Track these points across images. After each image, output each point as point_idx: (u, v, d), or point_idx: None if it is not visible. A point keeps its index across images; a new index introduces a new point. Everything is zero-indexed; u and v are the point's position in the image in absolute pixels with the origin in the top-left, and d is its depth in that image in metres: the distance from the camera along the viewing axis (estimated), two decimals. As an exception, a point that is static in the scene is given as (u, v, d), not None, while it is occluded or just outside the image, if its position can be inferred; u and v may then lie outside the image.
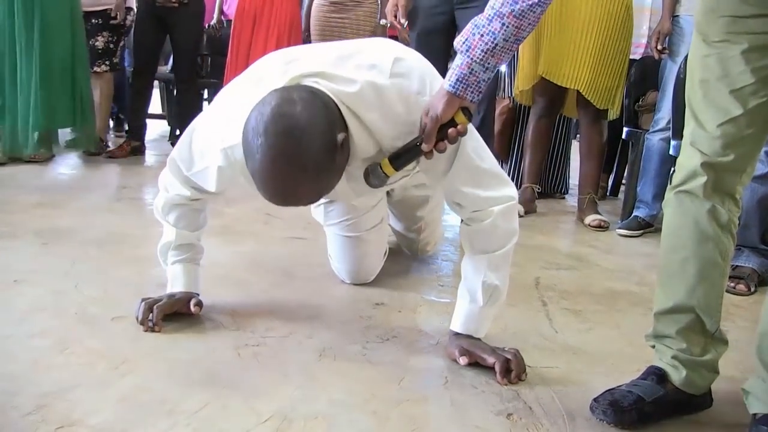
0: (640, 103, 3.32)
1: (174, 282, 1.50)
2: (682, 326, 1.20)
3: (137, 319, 1.41)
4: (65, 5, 3.34)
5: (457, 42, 1.14)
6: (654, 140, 2.85)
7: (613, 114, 3.09)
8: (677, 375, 1.20)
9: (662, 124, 2.80)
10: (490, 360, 1.32)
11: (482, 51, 1.10)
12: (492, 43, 1.10)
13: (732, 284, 2.07)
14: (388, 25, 3.12)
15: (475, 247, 1.35)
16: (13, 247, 1.91)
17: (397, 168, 1.22)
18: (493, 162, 1.35)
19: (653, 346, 1.27)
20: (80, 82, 3.48)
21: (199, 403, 1.13)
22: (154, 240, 1.53)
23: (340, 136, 1.14)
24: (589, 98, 2.95)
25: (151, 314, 1.40)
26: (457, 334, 1.38)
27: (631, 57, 3.23)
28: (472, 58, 1.12)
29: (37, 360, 1.23)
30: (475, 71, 1.13)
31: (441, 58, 2.90)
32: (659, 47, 2.82)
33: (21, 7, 3.18)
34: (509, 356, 1.33)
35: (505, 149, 3.64)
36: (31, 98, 3.25)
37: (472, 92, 1.15)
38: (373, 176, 1.24)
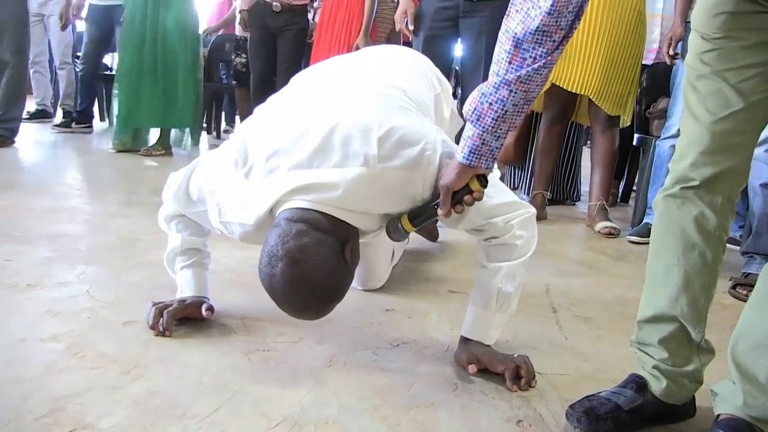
0: (650, 109, 3.31)
1: (183, 287, 1.51)
2: (664, 335, 1.17)
3: (148, 323, 1.42)
4: (181, 25, 4.22)
5: (466, 111, 1.13)
6: (665, 147, 2.84)
7: (624, 121, 3.08)
8: (657, 385, 1.18)
9: (673, 130, 2.79)
10: (500, 367, 1.32)
11: (493, 119, 1.10)
12: (501, 110, 1.09)
13: (744, 292, 2.06)
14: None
15: (493, 258, 1.34)
16: (25, 251, 1.93)
17: (415, 226, 1.26)
18: (504, 192, 1.34)
19: (636, 353, 1.25)
20: (189, 90, 4.32)
21: (210, 408, 1.13)
22: (166, 245, 1.53)
23: (348, 251, 1.19)
24: (599, 104, 2.95)
25: (161, 319, 1.41)
26: (467, 340, 1.38)
27: (643, 63, 3.22)
28: (483, 128, 1.11)
29: (50, 364, 1.24)
30: (487, 141, 1.13)
31: (446, 62, 2.99)
32: (671, 53, 2.81)
33: (148, 24, 4.12)
34: (519, 363, 1.33)
35: (520, 156, 3.63)
36: (153, 102, 4.20)
37: (486, 160, 1.15)
38: (395, 233, 1.27)
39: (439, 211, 1.20)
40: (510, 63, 1.05)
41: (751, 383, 1.05)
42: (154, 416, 1.09)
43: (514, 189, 3.80)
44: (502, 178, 3.87)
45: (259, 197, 1.21)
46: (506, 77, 1.06)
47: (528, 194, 3.56)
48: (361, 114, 1.23)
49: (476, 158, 1.14)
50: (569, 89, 2.95)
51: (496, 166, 3.87)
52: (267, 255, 1.15)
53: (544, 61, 1.04)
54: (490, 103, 1.09)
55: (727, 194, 1.13)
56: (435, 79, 1.72)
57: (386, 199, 1.24)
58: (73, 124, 5.16)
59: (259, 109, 1.40)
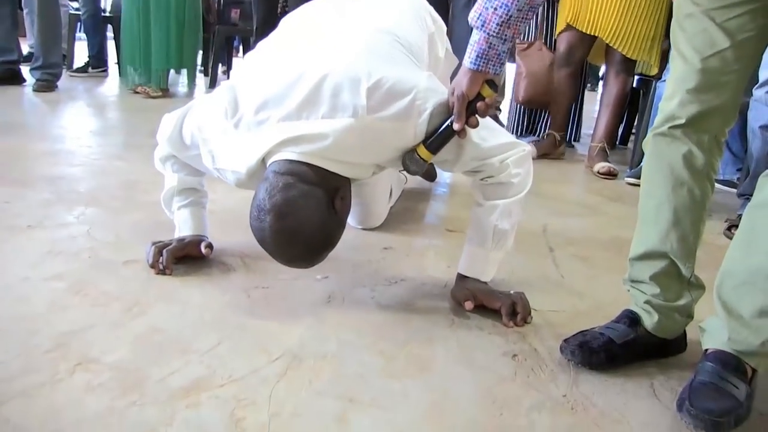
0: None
1: (182, 226, 1.52)
2: (656, 271, 1.19)
3: (148, 262, 1.44)
4: None
5: (471, 17, 1.13)
6: (665, 88, 2.81)
7: (651, 67, 2.98)
8: (649, 319, 1.21)
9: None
10: (496, 303, 1.35)
11: (497, 24, 1.10)
12: (506, 15, 1.09)
13: (738, 232, 2.07)
14: None
15: (489, 196, 1.35)
16: (24, 194, 1.93)
17: (433, 152, 1.23)
18: (498, 133, 1.34)
19: (629, 290, 1.27)
20: (189, 34, 4.40)
21: (211, 343, 1.16)
22: (163, 186, 1.54)
23: (338, 201, 1.20)
24: (614, 46, 2.88)
25: (161, 257, 1.42)
26: (463, 277, 1.40)
27: None
28: (488, 33, 1.12)
29: (54, 302, 1.26)
30: (494, 45, 1.13)
31: (441, 14, 3.01)
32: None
33: None
34: (515, 299, 1.35)
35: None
36: (153, 44, 4.23)
37: (494, 65, 1.16)
38: (413, 164, 1.25)
39: (455, 125, 1.20)
40: None
41: (735, 320, 1.07)
42: (156, 351, 1.12)
43: (533, 133, 3.70)
44: (534, 122, 3.73)
45: (250, 148, 1.22)
46: None
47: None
48: (351, 63, 1.21)
49: (484, 62, 1.15)
50: (583, 30, 2.89)
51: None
52: (256, 208, 1.18)
53: None
54: (495, 8, 1.10)
55: (713, 133, 1.14)
56: (429, 17, 1.69)
57: (377, 150, 1.24)
58: (90, 69, 5.13)
59: (249, 55, 1.38)
